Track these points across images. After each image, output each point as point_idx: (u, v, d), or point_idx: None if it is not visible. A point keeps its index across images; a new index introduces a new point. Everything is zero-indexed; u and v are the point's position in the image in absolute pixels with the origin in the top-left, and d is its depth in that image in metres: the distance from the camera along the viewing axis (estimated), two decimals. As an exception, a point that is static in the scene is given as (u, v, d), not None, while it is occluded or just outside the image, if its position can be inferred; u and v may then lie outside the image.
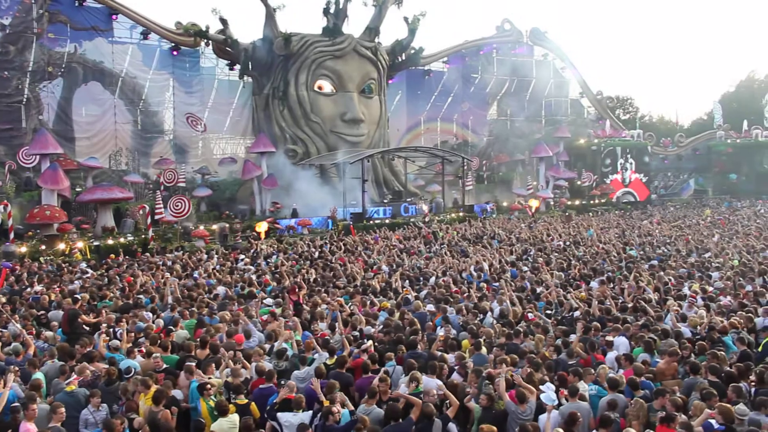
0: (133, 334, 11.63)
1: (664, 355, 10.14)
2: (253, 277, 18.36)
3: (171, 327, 12.01)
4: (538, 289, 15.67)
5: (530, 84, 53.76)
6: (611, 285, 16.20)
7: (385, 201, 38.26)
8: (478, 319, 12.93)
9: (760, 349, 11.10)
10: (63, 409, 7.98)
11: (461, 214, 37.79)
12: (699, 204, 48.23)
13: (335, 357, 10.23)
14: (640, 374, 9.28)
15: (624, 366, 9.93)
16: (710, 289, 15.64)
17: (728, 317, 12.65)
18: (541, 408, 8.36)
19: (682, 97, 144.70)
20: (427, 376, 9.24)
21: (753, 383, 9.06)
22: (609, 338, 11.18)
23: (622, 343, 11.14)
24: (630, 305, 13.59)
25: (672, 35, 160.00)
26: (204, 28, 38.50)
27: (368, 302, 14.38)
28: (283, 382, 9.30)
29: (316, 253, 23.15)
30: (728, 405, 7.95)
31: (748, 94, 73.28)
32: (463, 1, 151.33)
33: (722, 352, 10.03)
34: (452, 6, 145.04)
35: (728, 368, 9.49)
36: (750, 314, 12.75)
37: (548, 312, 13.53)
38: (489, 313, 13.30)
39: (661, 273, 17.75)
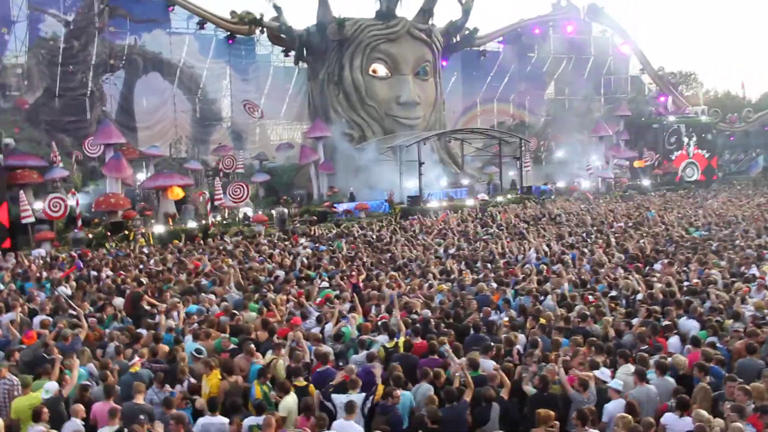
0: (194, 317, 11.87)
1: (732, 337, 9.84)
2: (312, 260, 18.53)
3: (234, 311, 12.21)
4: (600, 271, 15.34)
5: (588, 61, 52.65)
6: (674, 267, 15.74)
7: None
8: (539, 302, 12.74)
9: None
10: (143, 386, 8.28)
11: (519, 195, 37.34)
12: (768, 182, 46.49)
13: (394, 340, 10.27)
14: (709, 359, 8.97)
15: (690, 350, 9.65)
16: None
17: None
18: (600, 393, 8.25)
19: (749, 70, 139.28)
20: (483, 357, 9.24)
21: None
22: (667, 323, 10.82)
23: (693, 327, 10.81)
24: (696, 288, 13.16)
25: (735, 3, 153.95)
26: (258, 16, 38.90)
27: (425, 285, 14.34)
28: (341, 364, 9.38)
29: (374, 237, 23.23)
30: None
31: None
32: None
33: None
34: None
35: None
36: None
37: (611, 295, 13.20)
38: (549, 296, 13.10)
39: (728, 254, 17.18)
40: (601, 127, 46.07)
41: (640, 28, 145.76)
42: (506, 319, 11.52)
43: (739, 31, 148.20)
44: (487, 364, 9.07)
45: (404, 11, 40.21)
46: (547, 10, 51.70)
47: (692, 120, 50.26)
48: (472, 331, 10.80)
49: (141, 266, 18.33)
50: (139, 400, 8.08)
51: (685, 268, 15.47)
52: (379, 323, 11.23)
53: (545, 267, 16.16)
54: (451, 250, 19.52)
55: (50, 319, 12.06)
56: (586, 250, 18.61)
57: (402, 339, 10.31)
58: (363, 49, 38.80)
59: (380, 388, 8.46)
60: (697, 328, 10.67)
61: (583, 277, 14.94)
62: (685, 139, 48.90)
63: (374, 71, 39.22)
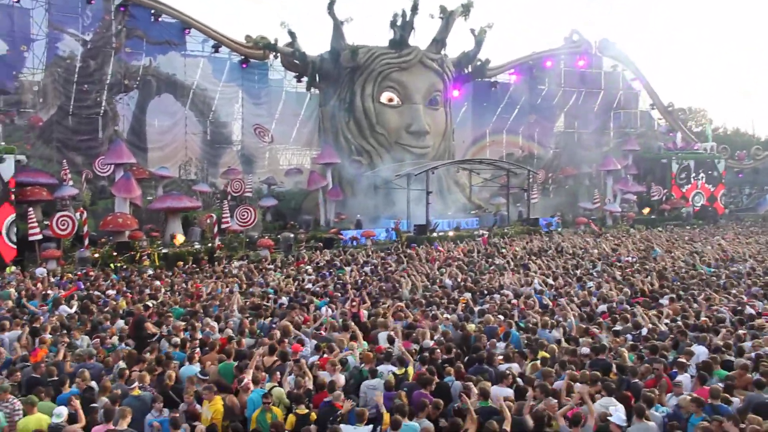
0: (196, 341, 11.86)
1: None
2: (317, 287, 18.53)
3: (232, 336, 12.20)
4: (603, 306, 15.29)
5: (598, 95, 52.83)
6: (681, 303, 15.67)
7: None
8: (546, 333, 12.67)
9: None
10: (129, 411, 8.22)
11: (526, 227, 37.30)
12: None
13: (404, 368, 10.26)
14: (717, 396, 8.90)
15: (695, 387, 9.59)
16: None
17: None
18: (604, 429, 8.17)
19: (759, 108, 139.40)
20: (498, 386, 9.30)
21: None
22: (682, 360, 10.74)
23: (702, 353, 10.88)
24: (704, 325, 13.09)
25: (745, 44, 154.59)
26: (273, 41, 39.30)
27: (430, 315, 14.30)
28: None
29: (378, 265, 23.21)
30: None
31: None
32: (530, 13, 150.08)
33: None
34: (520, 18, 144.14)
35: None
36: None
37: (615, 329, 13.13)
38: (553, 329, 13.05)
39: (735, 291, 17.13)
40: (610, 161, 46.11)
41: (651, 64, 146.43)
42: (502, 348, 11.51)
43: (749, 68, 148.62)
44: (502, 392, 9.11)
45: (417, 41, 40.57)
46: (558, 43, 52.05)
47: (701, 156, 50.30)
48: (477, 363, 10.76)
49: (146, 289, 18.33)
50: (123, 425, 8.03)
51: (692, 304, 15.42)
52: (385, 352, 11.20)
53: (549, 300, 16.11)
54: (457, 281, 19.48)
55: (50, 337, 12.08)
56: (592, 284, 18.57)
57: (411, 368, 10.30)
58: (375, 77, 39.09)
59: (386, 417, 8.41)
60: (706, 354, 10.77)
61: (588, 310, 14.89)
62: (694, 175, 48.94)
63: (387, 99, 39.46)
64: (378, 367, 10.43)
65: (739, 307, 15.07)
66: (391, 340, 11.95)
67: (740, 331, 12.62)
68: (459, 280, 19.59)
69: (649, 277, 19.68)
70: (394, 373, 10.15)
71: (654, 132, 54.14)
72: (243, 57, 39.87)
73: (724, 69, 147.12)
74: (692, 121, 70.30)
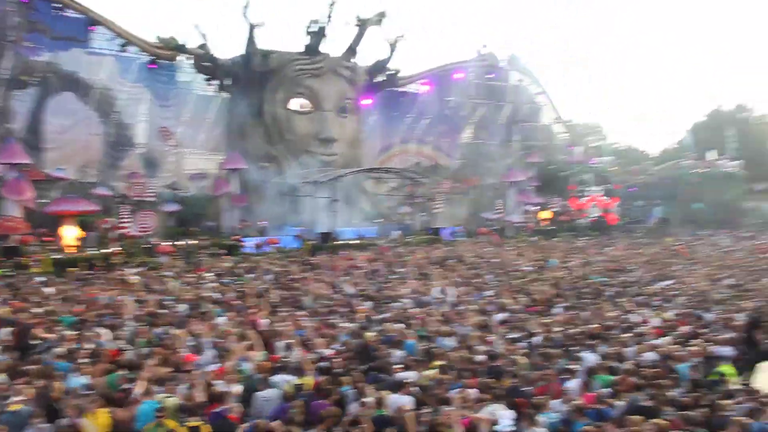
0: (85, 352, 11.40)
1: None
2: (217, 295, 18.18)
3: (123, 347, 11.80)
4: (501, 314, 15.70)
5: (505, 109, 54.31)
6: (574, 312, 16.28)
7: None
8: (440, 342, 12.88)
9: (713, 377, 11.24)
10: (4, 428, 7.82)
11: (429, 236, 37.84)
12: (663, 232, 48.78)
13: (304, 378, 10.18)
14: (602, 401, 9.30)
15: (582, 392, 9.98)
16: (669, 316, 15.87)
17: (685, 345, 12.80)
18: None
19: (651, 126, 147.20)
20: (397, 395, 9.30)
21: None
22: (571, 367, 11.16)
23: (591, 359, 11.33)
24: (596, 332, 13.67)
25: (643, 67, 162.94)
26: (184, 43, 38.43)
27: (329, 324, 14.28)
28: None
29: (281, 273, 23.01)
30: (664, 421, 8.19)
31: (715, 125, 74.71)
32: (442, 26, 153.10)
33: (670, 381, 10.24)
34: (431, 30, 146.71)
35: (678, 396, 9.65)
36: (706, 343, 12.93)
37: (511, 337, 13.51)
38: (451, 337, 13.28)
39: (623, 300, 17.95)
40: (513, 173, 47.47)
41: (554, 81, 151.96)
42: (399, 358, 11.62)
43: (645, 87, 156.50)
44: (400, 401, 9.09)
45: (331, 48, 40.68)
46: (469, 56, 53.29)
47: (598, 169, 52.53)
48: (374, 372, 10.79)
49: (34, 296, 17.47)
50: None
51: (583, 313, 16.04)
52: (283, 361, 11.10)
53: (449, 308, 16.40)
54: (359, 289, 19.55)
55: None
56: (491, 293, 19.03)
57: (309, 378, 10.22)
58: (286, 82, 38.91)
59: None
60: (595, 361, 11.25)
61: (486, 319, 15.24)
62: (590, 188, 51.07)
63: (301, 106, 39.27)
64: (274, 377, 10.32)
65: (626, 315, 15.81)
66: (288, 349, 11.86)
67: (626, 337, 13.28)
68: (361, 288, 19.67)
69: (545, 286, 20.34)
70: (291, 383, 10.05)
71: (555, 146, 56.16)
72: (152, 57, 38.74)
73: (620, 91, 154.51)
74: (590, 136, 73.47)
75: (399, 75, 46.13)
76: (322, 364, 10.95)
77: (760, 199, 62.26)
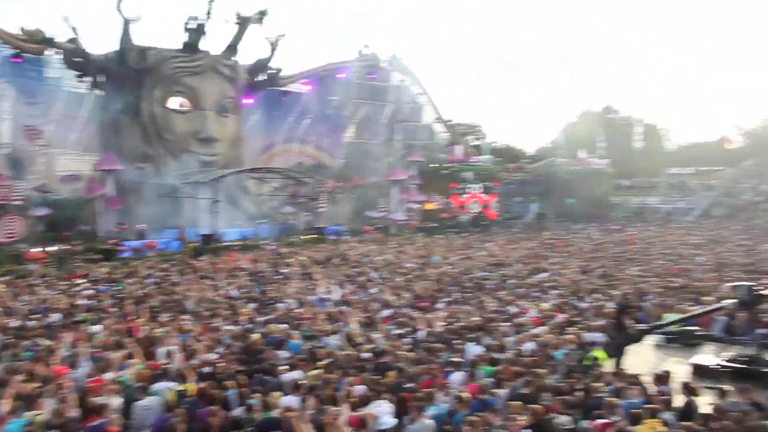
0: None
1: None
2: (92, 302, 17.33)
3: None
4: (385, 311, 15.86)
5: (387, 108, 54.92)
6: (456, 306, 16.69)
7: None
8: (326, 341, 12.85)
9: (587, 362, 11.84)
10: None
11: (313, 236, 37.74)
12: (540, 227, 50.95)
13: (186, 384, 9.85)
14: (485, 391, 9.56)
15: (467, 383, 10.22)
16: (546, 307, 16.58)
17: (561, 334, 13.42)
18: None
19: (528, 126, 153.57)
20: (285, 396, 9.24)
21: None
22: (455, 359, 11.41)
23: (474, 351, 11.74)
24: (478, 325, 14.08)
25: (520, 67, 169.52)
26: (52, 36, 36.32)
27: (213, 327, 13.94)
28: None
29: (161, 277, 22.24)
30: (540, 407, 8.57)
31: (586, 125, 78.98)
32: (324, 26, 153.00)
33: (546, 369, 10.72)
34: (313, 29, 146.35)
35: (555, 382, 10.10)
36: (580, 330, 13.63)
37: (397, 333, 13.68)
38: (337, 336, 13.28)
39: (503, 293, 18.59)
40: (395, 172, 48.12)
41: (435, 82, 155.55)
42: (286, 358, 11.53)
43: (523, 88, 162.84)
44: (288, 402, 9.03)
45: (210, 46, 39.71)
46: (351, 56, 53.52)
47: (477, 168, 54.14)
48: (259, 374, 10.63)
49: None
50: None
51: (466, 306, 16.48)
52: (164, 368, 10.72)
53: (334, 307, 16.40)
54: (242, 291, 19.21)
55: None
56: (375, 290, 19.19)
57: (191, 384, 9.91)
58: (164, 80, 37.61)
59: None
60: (478, 353, 11.64)
61: (371, 316, 15.35)
62: (471, 185, 52.56)
63: (176, 104, 38.07)
64: (154, 385, 9.93)
65: (506, 307, 16.39)
66: (169, 356, 11.47)
67: (506, 328, 13.77)
68: (245, 290, 19.35)
69: (427, 282, 20.73)
70: (173, 390, 9.71)
71: (436, 145, 57.40)
72: (16, 50, 36.28)
73: (501, 90, 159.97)
74: (470, 135, 75.63)
75: (281, 74, 45.68)
76: (205, 369, 10.68)
77: (626, 194, 66.74)
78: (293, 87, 49.79)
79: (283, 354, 11.90)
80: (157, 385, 9.92)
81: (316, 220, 40.61)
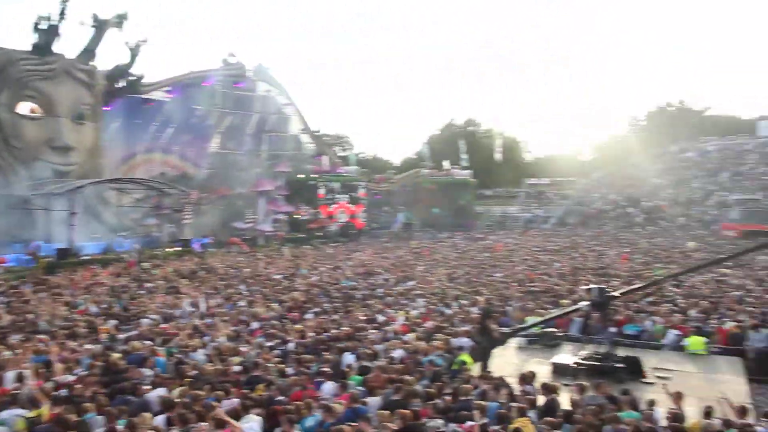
0: None
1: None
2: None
3: None
4: (254, 324, 15.64)
5: (253, 118, 54.23)
6: (325, 316, 16.72)
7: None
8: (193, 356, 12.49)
9: (455, 366, 12.22)
10: None
11: (178, 248, 36.61)
12: (407, 236, 52.07)
13: (39, 410, 9.22)
14: (356, 400, 9.60)
15: (338, 393, 10.26)
16: (414, 314, 16.97)
17: (429, 340, 13.76)
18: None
19: (395, 137, 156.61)
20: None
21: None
22: (325, 369, 11.41)
23: (346, 361, 11.93)
24: (349, 334, 14.19)
25: (387, 79, 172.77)
26: None
27: (70, 347, 13.17)
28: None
29: (11, 295, 20.74)
30: (409, 412, 8.77)
31: (449, 137, 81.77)
32: (188, 33, 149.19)
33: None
34: (177, 36, 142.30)
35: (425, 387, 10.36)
36: (448, 336, 14.04)
37: (268, 345, 13.52)
38: (204, 350, 12.95)
39: (372, 302, 18.82)
40: (262, 182, 47.65)
41: (303, 92, 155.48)
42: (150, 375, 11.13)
43: (388, 101, 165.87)
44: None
45: (65, 49, 37.59)
46: (216, 65, 52.36)
47: (345, 178, 54.60)
48: (121, 394, 10.15)
49: None
50: None
51: (335, 317, 16.55)
52: (13, 394, 9.97)
53: (200, 321, 15.98)
54: (102, 307, 18.31)
55: None
56: (243, 303, 18.88)
57: (44, 409, 9.29)
58: (12, 84, 35.19)
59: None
60: (351, 362, 11.82)
61: (240, 329, 15.09)
62: (338, 196, 52.91)
63: (32, 111, 35.72)
64: (1, 413, 9.23)
65: (376, 316, 16.60)
66: (20, 380, 10.71)
67: (376, 337, 13.97)
68: (104, 306, 18.46)
69: (297, 293, 20.65)
70: (23, 418, 9.06)
71: (303, 155, 57.33)
72: None
73: (368, 101, 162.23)
74: (337, 146, 76.24)
75: (142, 81, 44.02)
76: (60, 392, 10.05)
77: (488, 204, 69.68)
78: (156, 95, 48.06)
79: (147, 372, 11.44)
80: (5, 413, 9.23)
81: (181, 232, 39.38)
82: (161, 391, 10.17)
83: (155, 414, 9.18)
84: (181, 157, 50.69)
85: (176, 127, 49.16)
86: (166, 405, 9.51)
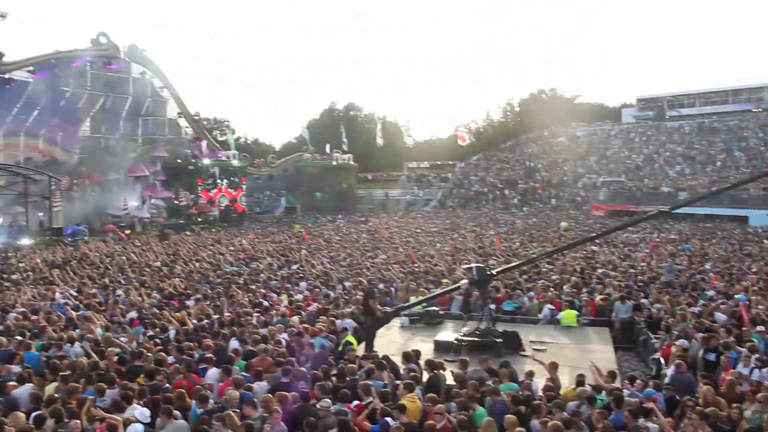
0: None
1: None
2: None
3: None
4: (133, 312, 15.10)
5: (126, 101, 51.82)
6: (207, 302, 16.37)
7: None
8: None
9: (340, 348, 12.33)
10: None
11: (48, 237, 34.71)
12: (290, 220, 51.80)
13: None
14: (240, 385, 9.46)
15: (222, 379, 10.08)
16: (299, 297, 16.95)
17: (314, 323, 13.79)
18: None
19: (275, 122, 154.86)
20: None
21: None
22: (209, 356, 11.17)
23: (232, 346, 11.91)
24: (233, 320, 13.99)
25: (263, 64, 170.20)
26: None
27: None
28: None
29: None
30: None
31: (330, 122, 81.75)
32: (55, 11, 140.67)
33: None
34: (43, 14, 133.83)
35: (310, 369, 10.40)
36: (332, 318, 14.12)
37: (149, 334, 13.08)
38: (79, 343, 12.36)
39: (255, 286, 18.61)
40: (137, 168, 45.98)
41: (180, 75, 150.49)
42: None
43: (266, 86, 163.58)
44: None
45: None
46: (85, 44, 49.47)
47: (224, 163, 53.44)
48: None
49: None
50: None
51: (218, 302, 16.26)
52: None
53: (73, 312, 15.22)
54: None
55: None
56: (120, 292, 18.15)
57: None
58: None
59: None
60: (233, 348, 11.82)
61: (118, 318, 14.53)
62: (218, 181, 51.77)
63: None
64: None
65: (259, 300, 16.43)
66: None
67: (259, 321, 13.87)
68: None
69: (176, 280, 20.09)
70: None
71: (181, 139, 55.52)
72: None
73: (247, 86, 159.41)
74: (217, 130, 74.44)
75: (2, 60, 41.11)
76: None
77: (370, 187, 70.42)
78: (19, 75, 44.97)
79: (15, 368, 10.78)
80: None
81: (51, 220, 37.29)
82: (27, 388, 9.61)
83: (26, 412, 8.67)
84: (48, 141, 47.73)
85: (42, 109, 46.21)
86: (37, 401, 9.04)
